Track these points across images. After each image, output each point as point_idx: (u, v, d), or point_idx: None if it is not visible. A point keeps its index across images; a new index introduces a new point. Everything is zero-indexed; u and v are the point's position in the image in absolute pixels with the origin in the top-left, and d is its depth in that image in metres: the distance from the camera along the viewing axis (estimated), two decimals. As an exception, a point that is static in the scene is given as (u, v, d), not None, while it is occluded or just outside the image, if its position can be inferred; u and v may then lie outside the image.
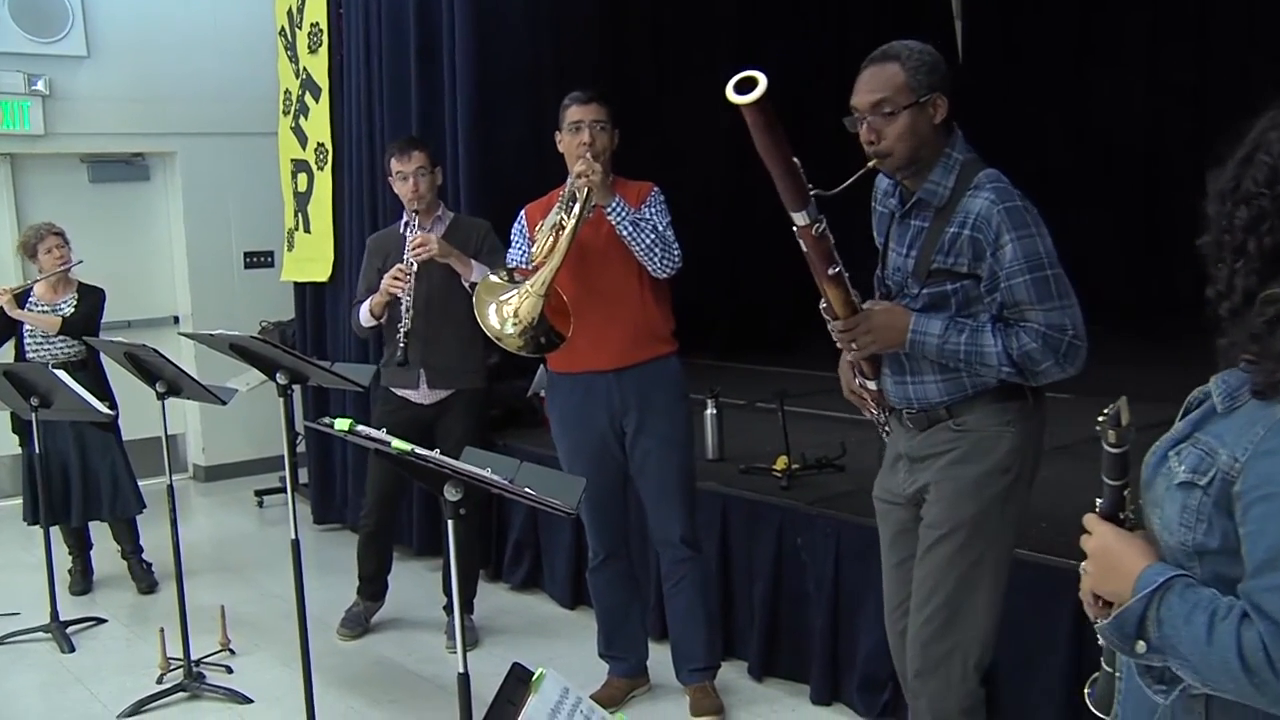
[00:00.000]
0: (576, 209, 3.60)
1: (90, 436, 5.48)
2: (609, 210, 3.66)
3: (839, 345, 2.81)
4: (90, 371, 5.45)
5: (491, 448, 5.15)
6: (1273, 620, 1.33)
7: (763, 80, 2.29)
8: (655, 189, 3.84)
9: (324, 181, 6.36)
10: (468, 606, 4.83)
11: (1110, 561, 1.54)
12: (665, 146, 7.50)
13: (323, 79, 6.34)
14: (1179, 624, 1.41)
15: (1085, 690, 1.74)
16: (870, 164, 2.68)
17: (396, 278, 4.49)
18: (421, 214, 4.64)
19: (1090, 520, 1.60)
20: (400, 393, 4.74)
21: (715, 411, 4.93)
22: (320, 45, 6.33)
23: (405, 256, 4.49)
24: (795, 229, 2.60)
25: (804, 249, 2.64)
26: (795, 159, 2.50)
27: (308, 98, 6.47)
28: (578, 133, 3.72)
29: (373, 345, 5.47)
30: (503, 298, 3.60)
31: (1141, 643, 1.46)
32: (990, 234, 2.59)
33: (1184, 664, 1.42)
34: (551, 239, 3.62)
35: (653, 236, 3.67)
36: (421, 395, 4.70)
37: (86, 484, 5.52)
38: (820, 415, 5.38)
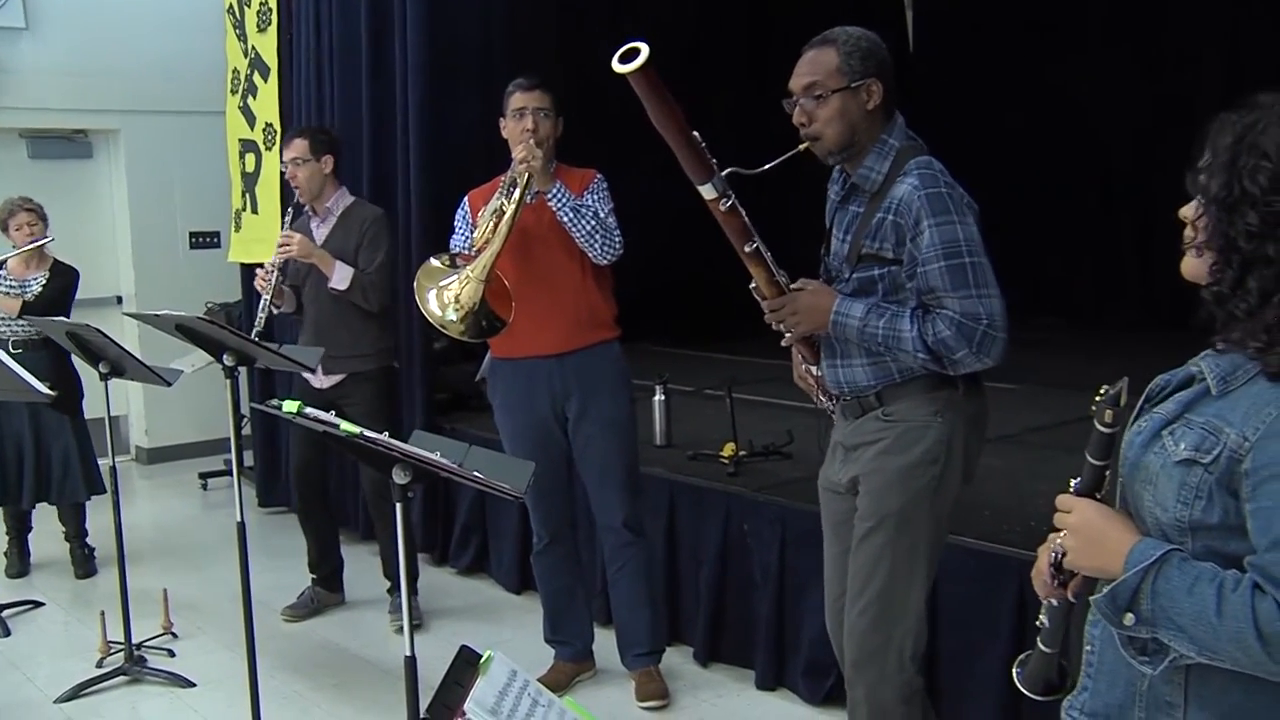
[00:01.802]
0: (516, 194, 3.62)
1: (46, 417, 5.38)
2: (550, 197, 3.67)
3: (775, 328, 2.83)
4: (51, 351, 5.29)
5: (439, 432, 5.14)
6: None
7: (645, 50, 2.34)
8: (599, 176, 3.86)
9: (272, 162, 6.28)
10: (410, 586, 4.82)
11: (1095, 536, 1.57)
12: (619, 132, 7.48)
13: (271, 59, 6.26)
14: (1179, 596, 1.45)
15: (1014, 670, 1.77)
16: (801, 147, 2.70)
17: (262, 277, 4.54)
18: (313, 204, 4.65)
19: (1067, 499, 1.62)
20: (305, 376, 4.72)
21: (664, 398, 4.95)
22: (269, 24, 6.25)
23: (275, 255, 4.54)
24: (706, 204, 2.64)
25: (721, 225, 2.68)
26: (695, 133, 2.53)
27: (256, 77, 6.39)
28: (521, 119, 3.74)
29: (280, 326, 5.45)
30: (443, 283, 3.61)
31: (1130, 615, 1.50)
32: (910, 219, 2.59)
33: (1178, 634, 1.46)
34: (492, 224, 3.63)
35: (593, 223, 3.69)
36: (318, 380, 4.68)
37: (39, 466, 5.43)
38: (768, 403, 5.42)
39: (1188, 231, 1.58)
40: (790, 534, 3.99)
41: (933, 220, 2.57)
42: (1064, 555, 1.62)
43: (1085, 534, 1.58)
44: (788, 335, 2.82)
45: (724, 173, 2.66)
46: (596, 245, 3.70)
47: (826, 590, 3.03)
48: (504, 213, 3.62)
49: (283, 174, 6.17)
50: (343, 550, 5.16)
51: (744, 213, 2.68)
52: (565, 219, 3.68)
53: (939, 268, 2.56)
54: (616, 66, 2.36)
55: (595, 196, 3.79)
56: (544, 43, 7.23)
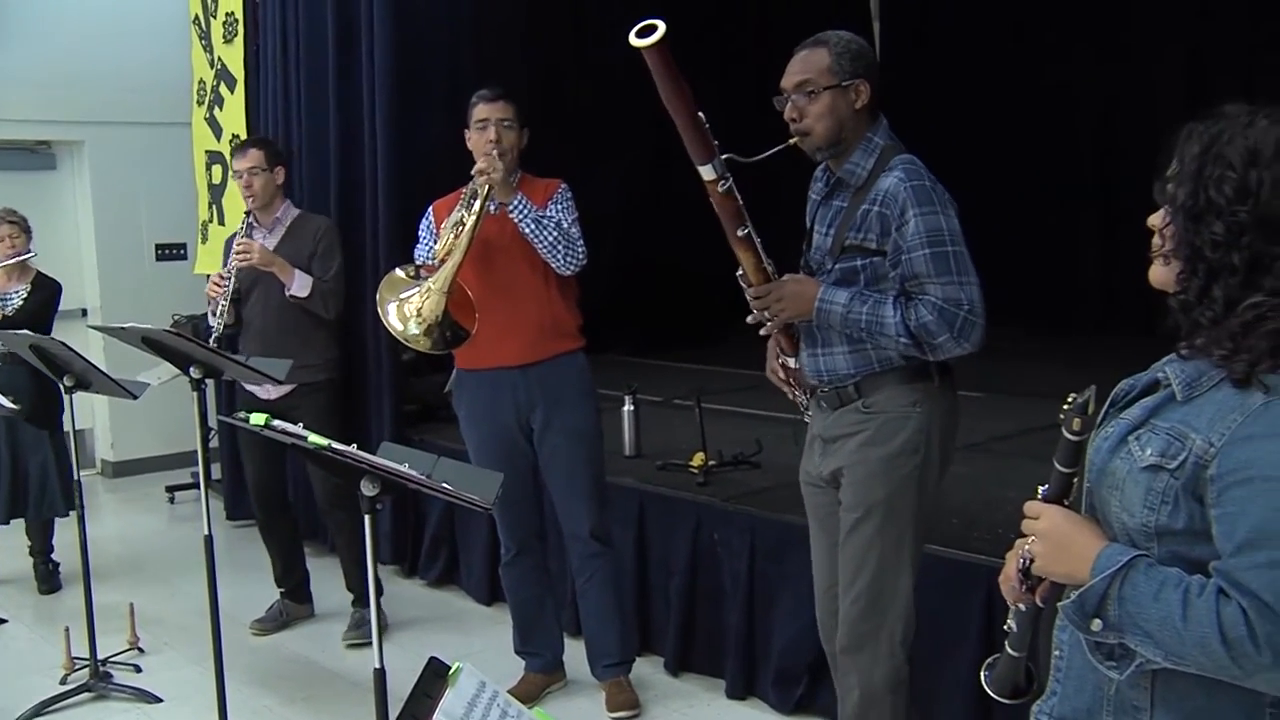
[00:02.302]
0: (476, 206, 3.62)
1: (23, 432, 5.31)
2: (511, 208, 3.68)
3: (755, 313, 2.88)
4: (29, 365, 5.23)
5: (408, 443, 5.12)
6: (1256, 597, 1.39)
7: (661, 26, 2.43)
8: (563, 186, 3.86)
9: (238, 173, 6.25)
10: (365, 600, 4.83)
11: (1063, 542, 1.59)
12: (587, 143, 7.51)
13: (238, 70, 6.24)
14: (1145, 601, 1.47)
15: (982, 673, 1.79)
16: (791, 140, 2.79)
17: (216, 284, 4.53)
18: (260, 214, 4.66)
19: (1035, 505, 1.64)
20: (249, 389, 4.72)
21: (633, 408, 4.96)
22: (235, 35, 6.23)
23: (228, 262, 4.52)
24: (704, 185, 2.69)
25: (715, 208, 2.73)
26: (700, 114, 2.60)
27: (222, 88, 6.37)
28: (484, 130, 3.75)
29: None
30: (404, 295, 3.61)
31: (1098, 620, 1.51)
32: (896, 209, 2.69)
33: (1145, 639, 1.48)
34: (453, 236, 3.63)
35: (555, 234, 3.69)
36: (265, 391, 4.66)
37: (15, 481, 5.36)
38: (737, 412, 5.44)
39: (1155, 240, 1.60)
40: (760, 543, 4.01)
41: (917, 210, 2.67)
42: (1032, 561, 1.63)
43: (1053, 540, 1.60)
44: (769, 324, 2.88)
45: (722, 157, 2.72)
46: (559, 256, 3.70)
47: (816, 582, 3.09)
48: (464, 225, 3.62)
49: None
50: (309, 562, 5.13)
51: (739, 198, 2.75)
52: (527, 230, 3.68)
53: (923, 255, 2.67)
54: (634, 41, 2.46)
55: (559, 207, 3.79)
56: (511, 52, 7.24)
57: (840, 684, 2.99)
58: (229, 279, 4.52)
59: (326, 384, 4.81)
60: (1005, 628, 1.75)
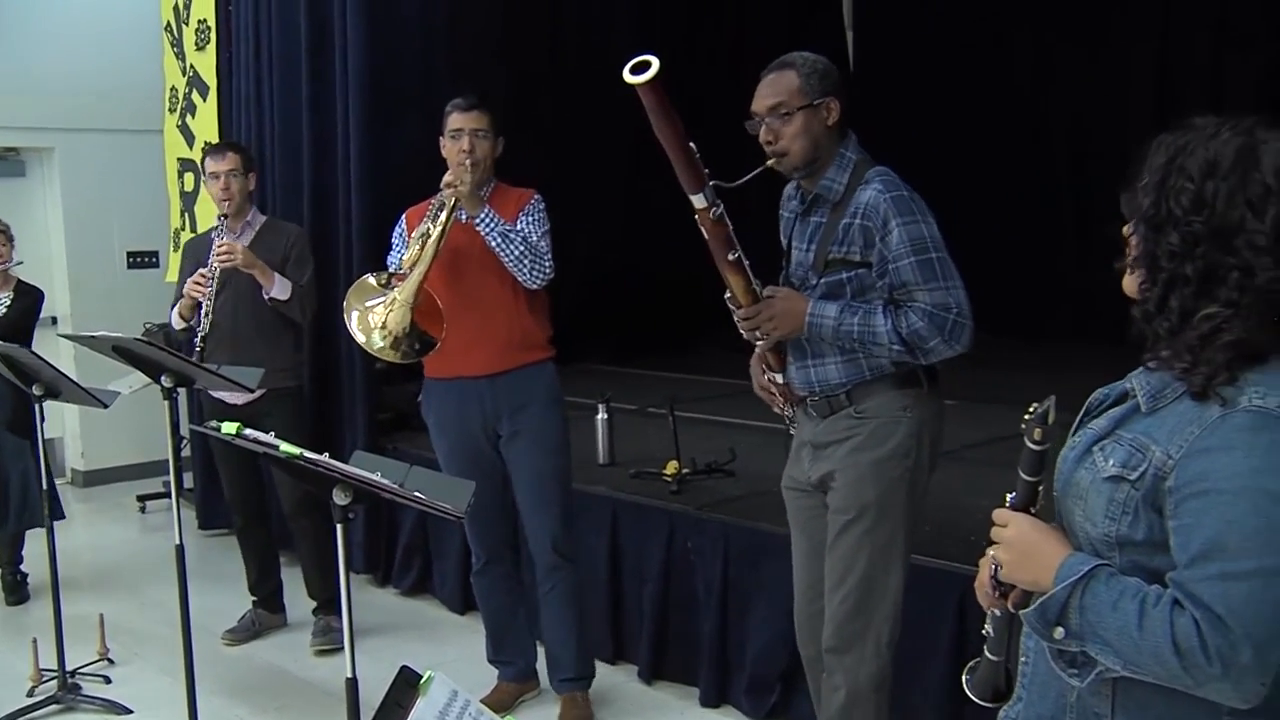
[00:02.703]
0: (443, 218, 3.62)
1: (4, 441, 5.26)
2: (477, 221, 3.66)
3: (744, 334, 2.93)
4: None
5: (381, 452, 5.11)
6: (1208, 609, 1.41)
7: (655, 63, 2.47)
8: (535, 197, 3.84)
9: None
10: (327, 607, 4.82)
11: (1029, 550, 1.61)
12: (561, 151, 7.50)
13: (210, 77, 6.22)
14: (1104, 610, 1.49)
15: (964, 676, 1.80)
16: (769, 162, 2.85)
17: (198, 282, 4.51)
18: (231, 218, 4.67)
19: (1003, 513, 1.66)
20: (215, 395, 4.68)
21: (606, 416, 4.96)
22: (208, 43, 6.21)
23: (210, 262, 4.50)
24: (695, 213, 2.73)
25: (705, 235, 2.77)
26: (691, 144, 2.66)
27: (195, 96, 6.34)
28: (458, 140, 3.74)
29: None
30: (370, 304, 3.62)
31: (1060, 629, 1.53)
32: (878, 220, 2.76)
33: (1104, 648, 1.50)
34: (419, 247, 3.62)
35: (522, 248, 3.66)
36: (232, 397, 4.62)
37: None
38: (711, 420, 5.45)
39: (1129, 250, 1.62)
40: (733, 551, 4.02)
41: (900, 220, 2.75)
42: (1000, 568, 1.65)
43: (1019, 548, 1.62)
44: (760, 343, 2.93)
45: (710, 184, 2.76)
46: (525, 270, 3.68)
47: (796, 586, 3.13)
48: (430, 236, 3.61)
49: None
50: (282, 572, 5.10)
51: (729, 223, 2.80)
52: (493, 244, 3.65)
53: (909, 263, 2.75)
54: (628, 78, 2.51)
55: (530, 219, 3.77)
56: (486, 59, 7.23)
57: (824, 684, 3.01)
58: (211, 279, 4.50)
59: (296, 390, 4.82)
60: (984, 633, 1.77)
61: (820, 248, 2.87)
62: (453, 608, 5.13)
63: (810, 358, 2.92)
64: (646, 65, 2.49)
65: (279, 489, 4.91)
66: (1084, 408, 1.71)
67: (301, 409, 4.89)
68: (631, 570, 4.37)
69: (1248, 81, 7.18)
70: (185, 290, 4.56)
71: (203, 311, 4.53)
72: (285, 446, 2.33)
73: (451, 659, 4.53)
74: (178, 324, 4.72)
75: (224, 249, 4.46)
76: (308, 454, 2.29)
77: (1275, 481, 1.42)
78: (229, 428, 2.45)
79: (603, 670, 4.39)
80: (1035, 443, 1.63)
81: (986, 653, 1.76)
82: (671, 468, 4.52)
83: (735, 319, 2.92)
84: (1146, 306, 1.56)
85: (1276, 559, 1.40)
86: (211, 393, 4.68)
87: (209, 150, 4.76)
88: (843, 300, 2.83)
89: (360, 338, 3.61)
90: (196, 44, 6.27)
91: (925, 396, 2.89)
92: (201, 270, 4.53)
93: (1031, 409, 1.62)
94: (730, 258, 2.79)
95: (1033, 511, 1.65)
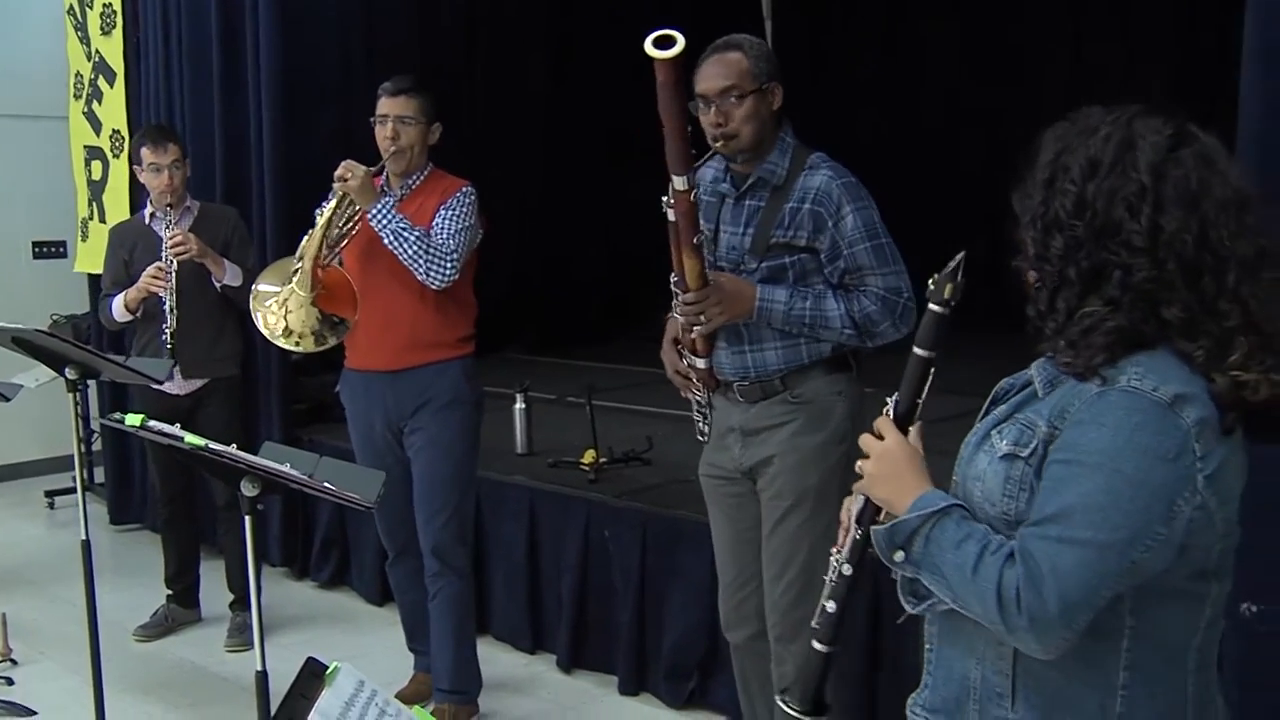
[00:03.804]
0: (327, 210, 3.55)
1: None
2: (370, 217, 3.55)
3: (683, 320, 2.89)
4: None
5: (298, 443, 5.06)
6: (1035, 566, 1.46)
7: (681, 40, 2.45)
8: (464, 190, 3.69)
9: (120, 170, 6.08)
10: (246, 602, 4.75)
11: (896, 471, 1.66)
12: (478, 140, 7.46)
13: (117, 63, 6.07)
14: (948, 547, 1.54)
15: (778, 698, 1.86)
16: (717, 145, 2.85)
17: (156, 276, 4.42)
18: (174, 207, 4.58)
19: (885, 424, 1.71)
20: (157, 386, 4.61)
21: (524, 406, 4.96)
22: (114, 27, 6.06)
23: (164, 255, 4.43)
24: (670, 195, 2.72)
25: (672, 217, 2.75)
26: (689, 127, 2.64)
27: (101, 82, 6.19)
28: (382, 126, 3.66)
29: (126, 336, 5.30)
30: (268, 304, 3.59)
31: (901, 553, 1.59)
32: (832, 206, 2.80)
33: (938, 580, 1.56)
34: (307, 239, 3.56)
35: (416, 247, 3.51)
36: (176, 386, 4.57)
37: None
38: (628, 409, 5.46)
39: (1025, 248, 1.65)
40: (650, 539, 4.04)
41: (853, 206, 2.81)
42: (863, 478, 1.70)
43: (888, 462, 1.67)
44: (699, 328, 2.88)
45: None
46: (420, 269, 3.53)
47: (721, 575, 3.12)
48: (315, 226, 3.55)
49: (131, 181, 6.02)
50: (202, 566, 5.01)
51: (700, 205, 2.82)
52: (386, 241, 3.53)
53: (865, 248, 2.80)
54: (651, 51, 2.47)
55: (450, 212, 3.62)
56: (404, 45, 7.15)
57: (774, 673, 3.01)
58: (170, 272, 4.41)
59: (237, 379, 4.79)
60: (814, 625, 1.82)
61: (760, 231, 2.87)
62: (370, 599, 5.09)
63: (747, 343, 2.91)
64: (671, 40, 2.46)
65: (212, 481, 4.84)
66: (990, 396, 1.74)
67: (241, 398, 4.85)
68: (550, 560, 4.38)
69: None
70: (142, 284, 4.44)
71: (166, 306, 4.42)
72: (190, 438, 2.29)
73: (370, 650, 4.50)
74: (121, 315, 4.58)
75: (177, 240, 4.38)
76: (213, 445, 2.26)
77: (1131, 465, 1.46)
78: (132, 419, 2.41)
79: (521, 660, 4.41)
80: (941, 304, 1.66)
81: (814, 644, 1.80)
82: (589, 457, 4.52)
83: (678, 303, 2.88)
84: (1038, 306, 1.59)
85: (1111, 536, 1.45)
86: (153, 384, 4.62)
87: (147, 141, 4.61)
88: (788, 285, 2.85)
89: (268, 337, 3.58)
90: (102, 28, 6.12)
91: (855, 380, 2.94)
92: (158, 264, 4.43)
93: (939, 274, 1.66)
94: (695, 241, 2.77)
95: (918, 425, 1.70)
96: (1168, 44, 7.43)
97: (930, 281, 1.68)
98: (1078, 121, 1.60)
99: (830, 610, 1.79)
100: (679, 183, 2.69)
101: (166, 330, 4.42)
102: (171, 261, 4.39)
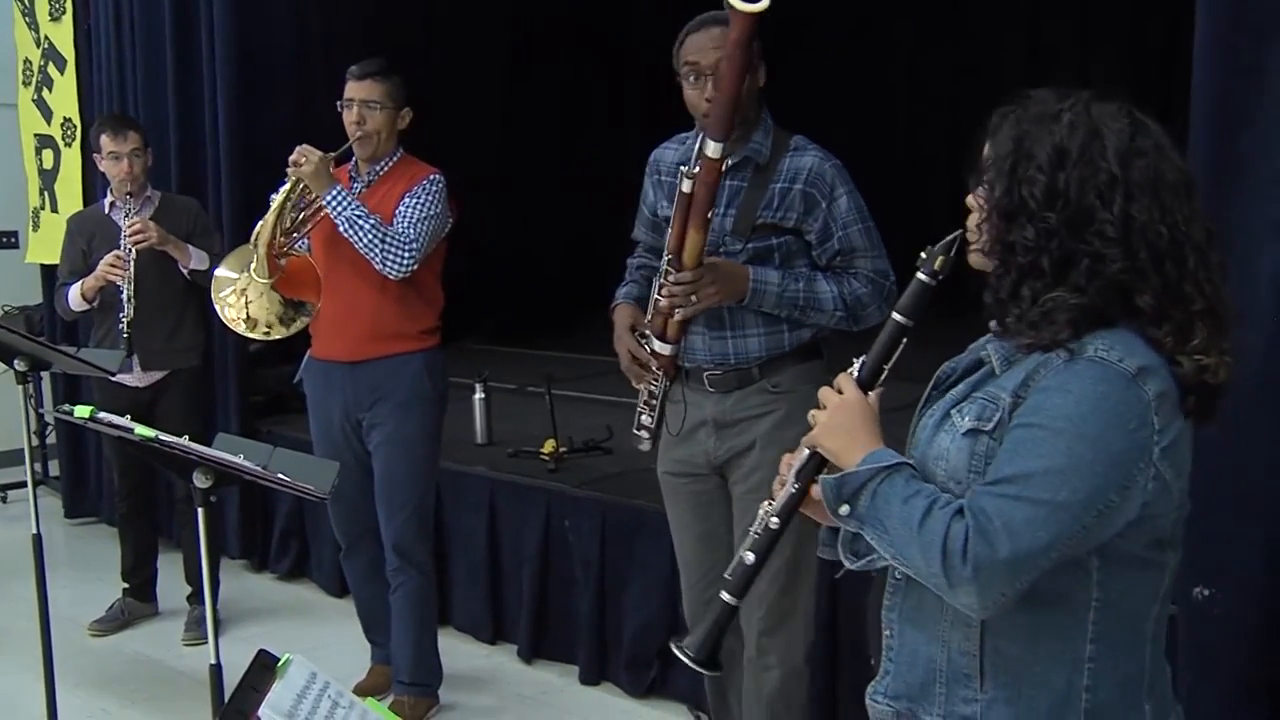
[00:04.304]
0: (279, 196, 3.50)
1: None
2: (324, 203, 3.49)
3: (669, 301, 2.76)
4: None
5: (255, 435, 5.01)
6: (988, 519, 1.46)
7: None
8: (431, 177, 3.63)
9: (72, 159, 6.01)
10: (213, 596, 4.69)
11: (851, 424, 1.66)
12: (438, 125, 7.38)
13: (68, 49, 5.98)
14: (895, 501, 1.55)
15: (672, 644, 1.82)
16: (706, 121, 2.73)
17: (114, 265, 4.35)
18: (135, 196, 4.54)
19: (846, 381, 1.70)
20: (115, 377, 4.56)
21: (484, 396, 4.93)
22: (63, 13, 5.96)
23: (123, 243, 4.36)
24: (694, 162, 2.64)
25: (687, 189, 2.64)
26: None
27: (51, 69, 6.10)
28: (348, 110, 3.61)
29: (81, 327, 5.23)
30: (226, 295, 3.56)
31: (847, 506, 1.59)
32: (825, 187, 2.77)
33: (882, 535, 1.56)
34: (261, 224, 3.52)
35: (371, 236, 3.46)
36: (136, 378, 4.52)
37: None
38: (588, 399, 5.45)
39: (971, 224, 1.64)
40: (610, 529, 4.03)
41: (845, 188, 2.79)
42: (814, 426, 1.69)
43: (844, 415, 1.67)
44: (688, 309, 2.76)
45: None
46: (376, 258, 3.47)
47: (689, 574, 3.03)
48: (269, 211, 3.52)
49: (84, 170, 5.95)
50: (160, 560, 4.96)
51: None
52: (341, 228, 3.47)
53: (859, 229, 2.79)
54: (736, 3, 2.39)
55: (415, 200, 3.56)
56: (364, 33, 7.07)
57: (752, 666, 2.95)
58: (128, 261, 4.35)
59: (198, 370, 4.72)
60: (727, 576, 1.78)
61: (745, 211, 2.80)
62: (330, 591, 5.06)
63: (729, 328, 2.83)
64: None
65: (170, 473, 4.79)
66: (932, 381, 1.74)
67: (201, 389, 4.78)
68: (510, 550, 4.36)
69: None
70: (100, 272, 4.38)
71: (124, 296, 4.36)
72: (140, 429, 2.27)
73: (329, 642, 4.47)
74: (77, 304, 4.52)
75: (136, 228, 4.32)
76: (163, 436, 2.23)
77: (1094, 431, 1.47)
78: (81, 411, 2.37)
79: (482, 651, 4.39)
80: (930, 275, 1.66)
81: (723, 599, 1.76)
82: (549, 446, 4.51)
83: (668, 281, 2.74)
84: (999, 294, 1.59)
85: (1069, 498, 1.46)
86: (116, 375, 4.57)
87: (105, 128, 4.55)
88: (776, 267, 2.80)
89: (232, 327, 3.57)
90: (51, 14, 6.02)
91: (824, 368, 2.86)
92: (116, 253, 4.37)
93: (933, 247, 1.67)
94: (710, 215, 2.67)
95: (879, 389, 1.70)
96: (1123, 26, 7.49)
97: (923, 252, 1.68)
98: (1030, 106, 1.59)
99: (748, 563, 1.76)
100: (713, 149, 2.58)
101: (124, 319, 4.37)
102: (130, 250, 4.34)
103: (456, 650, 4.29)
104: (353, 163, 3.68)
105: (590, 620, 4.05)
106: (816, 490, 1.68)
